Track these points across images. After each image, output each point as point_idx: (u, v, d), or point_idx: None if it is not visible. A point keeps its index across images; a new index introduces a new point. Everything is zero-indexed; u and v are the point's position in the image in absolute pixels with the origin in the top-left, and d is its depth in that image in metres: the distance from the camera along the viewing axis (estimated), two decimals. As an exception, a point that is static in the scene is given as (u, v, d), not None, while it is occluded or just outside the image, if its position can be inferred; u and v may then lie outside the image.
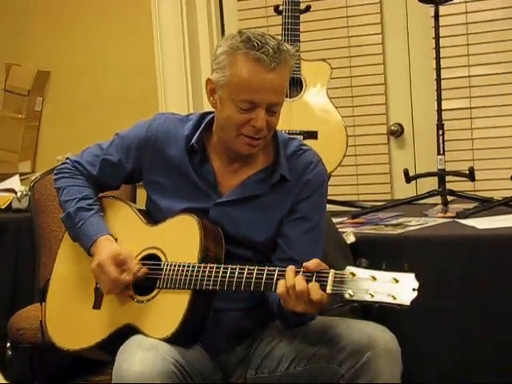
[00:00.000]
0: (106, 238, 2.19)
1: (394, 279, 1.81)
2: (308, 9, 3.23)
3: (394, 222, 2.92)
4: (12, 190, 3.59)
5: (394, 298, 1.79)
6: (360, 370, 2.00)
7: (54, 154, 3.55)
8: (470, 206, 3.01)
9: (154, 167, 2.24)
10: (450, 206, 3.07)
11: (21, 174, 3.80)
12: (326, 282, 1.87)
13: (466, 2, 3.54)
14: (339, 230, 2.75)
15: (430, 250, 2.59)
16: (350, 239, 2.67)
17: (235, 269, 2.02)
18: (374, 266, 1.85)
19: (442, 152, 3.06)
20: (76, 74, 4.19)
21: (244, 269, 2.01)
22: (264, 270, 1.98)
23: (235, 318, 2.18)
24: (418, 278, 1.81)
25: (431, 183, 3.17)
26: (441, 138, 3.07)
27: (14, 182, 3.69)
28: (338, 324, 2.10)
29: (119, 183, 2.35)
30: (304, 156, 2.22)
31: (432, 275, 2.49)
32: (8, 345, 2.93)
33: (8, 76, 4.26)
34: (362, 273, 1.84)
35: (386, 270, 1.83)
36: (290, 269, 1.93)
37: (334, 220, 2.86)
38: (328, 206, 3.11)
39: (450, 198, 3.12)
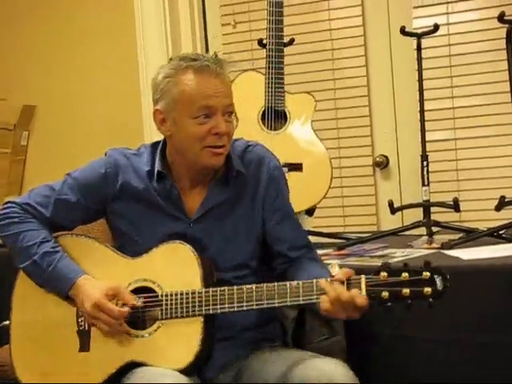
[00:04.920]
0: (84, 277, 2.15)
1: (426, 274, 1.89)
2: (291, 42, 3.25)
3: (379, 253, 2.92)
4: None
5: (430, 292, 1.88)
6: None
7: (40, 188, 3.53)
8: (456, 236, 3.01)
9: (120, 201, 2.24)
10: (435, 237, 3.06)
11: (6, 209, 3.77)
12: (360, 288, 1.91)
13: (448, 34, 3.57)
14: (324, 261, 2.73)
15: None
16: (335, 271, 2.65)
17: (251, 288, 2.02)
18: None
19: (426, 183, 3.07)
20: (61, 108, 4.19)
21: (262, 286, 2.02)
22: (287, 285, 1.99)
23: (221, 347, 2.15)
24: (444, 269, 1.90)
25: (418, 214, 3.17)
26: (425, 169, 3.08)
27: (-1, 217, 3.65)
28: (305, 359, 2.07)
29: (75, 223, 2.31)
30: (255, 150, 2.28)
31: (415, 306, 2.49)
32: (-10, 381, 2.90)
33: (-6, 111, 4.27)
34: (394, 273, 1.91)
35: (411, 267, 1.90)
36: (323, 282, 1.96)
37: (320, 252, 2.85)
38: (314, 237, 3.16)
39: (435, 228, 3.12)
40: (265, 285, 2.01)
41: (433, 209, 3.12)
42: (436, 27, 3.11)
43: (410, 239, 3.12)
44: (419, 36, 3.11)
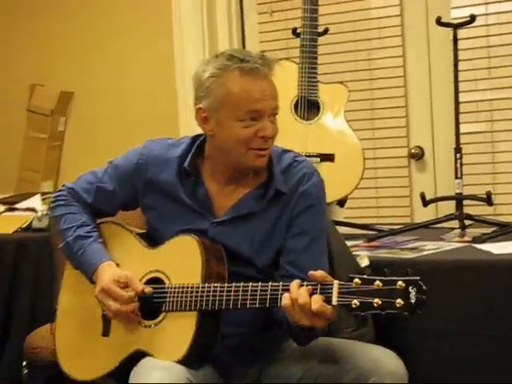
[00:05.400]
0: (107, 263, 2.19)
1: (400, 285, 1.81)
2: (326, 32, 3.23)
3: (410, 245, 2.90)
4: (33, 210, 3.60)
5: (401, 304, 1.80)
6: None
7: (76, 174, 3.57)
8: (489, 230, 2.98)
9: (148, 193, 2.25)
10: (467, 231, 3.03)
11: (43, 194, 3.81)
12: (331, 293, 1.87)
13: (487, 25, 3.52)
14: (354, 252, 2.73)
15: (444, 274, 2.57)
16: (364, 262, 2.64)
17: (239, 286, 2.01)
18: (376, 273, 1.85)
19: (459, 176, 3.04)
20: (99, 95, 4.23)
21: (248, 286, 2.01)
22: (268, 286, 1.98)
23: (243, 342, 2.18)
24: (423, 281, 1.81)
25: (453, 207, 3.14)
26: (458, 161, 3.05)
27: (35, 202, 3.69)
28: (346, 346, 2.10)
29: (115, 210, 2.36)
30: (298, 168, 2.21)
31: (445, 300, 2.48)
32: (24, 363, 2.94)
33: (32, 96, 4.32)
34: (367, 281, 1.84)
35: (389, 276, 1.83)
36: (295, 282, 1.94)
37: (350, 243, 2.85)
38: (344, 228, 3.15)
39: (469, 222, 3.09)
40: (250, 284, 2.00)
41: (469, 202, 3.09)
42: (472, 18, 3.06)
43: (442, 232, 3.09)
44: (455, 27, 3.07)
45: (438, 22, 3.11)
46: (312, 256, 2.16)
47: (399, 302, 1.79)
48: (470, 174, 3.32)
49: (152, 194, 2.25)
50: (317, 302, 1.87)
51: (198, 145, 2.22)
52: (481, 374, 2.53)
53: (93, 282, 2.19)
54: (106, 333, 2.20)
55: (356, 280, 1.85)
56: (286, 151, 2.26)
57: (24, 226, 3.51)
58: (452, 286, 2.54)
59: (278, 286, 1.97)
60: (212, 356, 2.10)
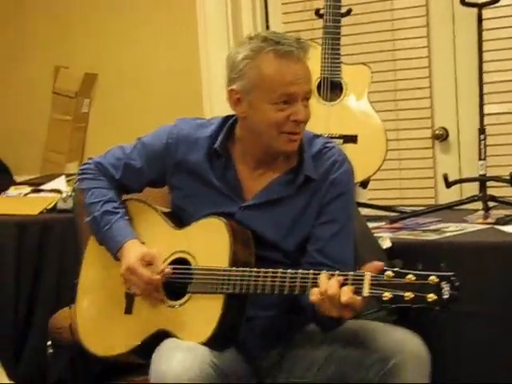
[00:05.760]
0: (132, 242, 2.20)
1: (432, 280, 1.79)
2: (349, 12, 3.21)
3: (433, 227, 2.89)
4: (58, 191, 3.63)
5: (434, 299, 1.78)
6: (387, 375, 2.00)
7: (101, 156, 3.61)
8: (514, 212, 2.97)
9: (177, 173, 2.25)
10: (491, 212, 3.02)
11: (68, 175, 3.84)
12: (362, 285, 1.87)
13: (514, 4, 3.48)
14: (376, 234, 2.72)
15: (465, 256, 2.56)
16: (386, 244, 2.64)
17: (268, 272, 2.01)
18: (409, 267, 1.84)
19: (483, 157, 3.03)
20: (123, 76, 4.23)
21: (277, 272, 2.00)
22: (298, 274, 1.98)
23: (267, 325, 2.18)
24: (457, 277, 1.79)
25: (477, 188, 3.12)
26: (482, 142, 3.03)
27: (60, 183, 3.73)
28: (368, 328, 2.10)
29: (142, 187, 2.36)
30: (329, 154, 2.20)
31: (467, 281, 2.45)
32: (49, 343, 2.97)
33: (56, 78, 4.34)
34: (399, 274, 1.83)
35: (423, 270, 1.82)
36: (323, 275, 1.93)
37: (372, 224, 2.85)
38: (367, 210, 3.14)
39: (492, 203, 3.07)
40: (279, 270, 2.00)
41: (493, 183, 3.07)
42: (497, -3, 3.04)
43: (465, 214, 3.08)
44: (480, 6, 3.04)
45: (463, 1, 3.08)
46: (340, 244, 2.16)
47: (431, 296, 1.78)
48: (495, 155, 3.29)
49: (180, 174, 2.25)
50: (346, 293, 1.86)
51: (228, 126, 2.21)
52: (503, 355, 2.53)
53: (117, 259, 2.21)
54: (128, 310, 2.21)
55: (388, 272, 1.84)
56: (317, 136, 2.25)
57: (49, 207, 3.54)
58: (474, 268, 2.53)
59: (308, 274, 1.97)
60: (237, 338, 2.11)
